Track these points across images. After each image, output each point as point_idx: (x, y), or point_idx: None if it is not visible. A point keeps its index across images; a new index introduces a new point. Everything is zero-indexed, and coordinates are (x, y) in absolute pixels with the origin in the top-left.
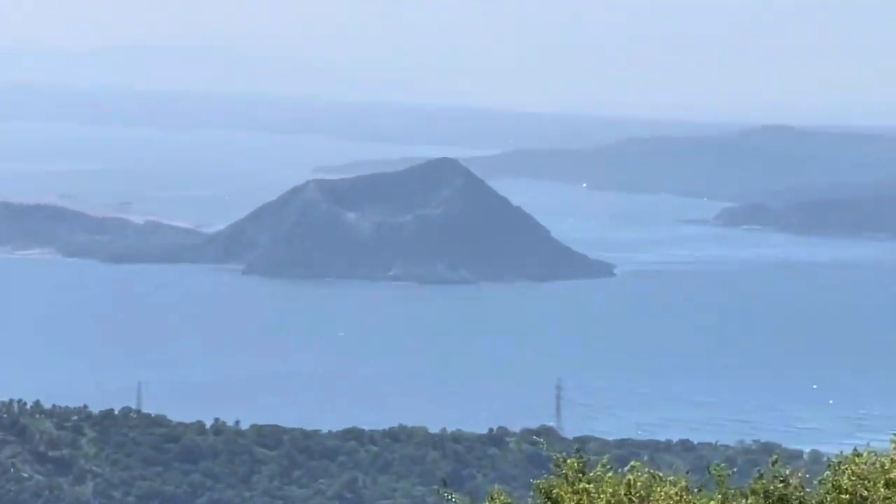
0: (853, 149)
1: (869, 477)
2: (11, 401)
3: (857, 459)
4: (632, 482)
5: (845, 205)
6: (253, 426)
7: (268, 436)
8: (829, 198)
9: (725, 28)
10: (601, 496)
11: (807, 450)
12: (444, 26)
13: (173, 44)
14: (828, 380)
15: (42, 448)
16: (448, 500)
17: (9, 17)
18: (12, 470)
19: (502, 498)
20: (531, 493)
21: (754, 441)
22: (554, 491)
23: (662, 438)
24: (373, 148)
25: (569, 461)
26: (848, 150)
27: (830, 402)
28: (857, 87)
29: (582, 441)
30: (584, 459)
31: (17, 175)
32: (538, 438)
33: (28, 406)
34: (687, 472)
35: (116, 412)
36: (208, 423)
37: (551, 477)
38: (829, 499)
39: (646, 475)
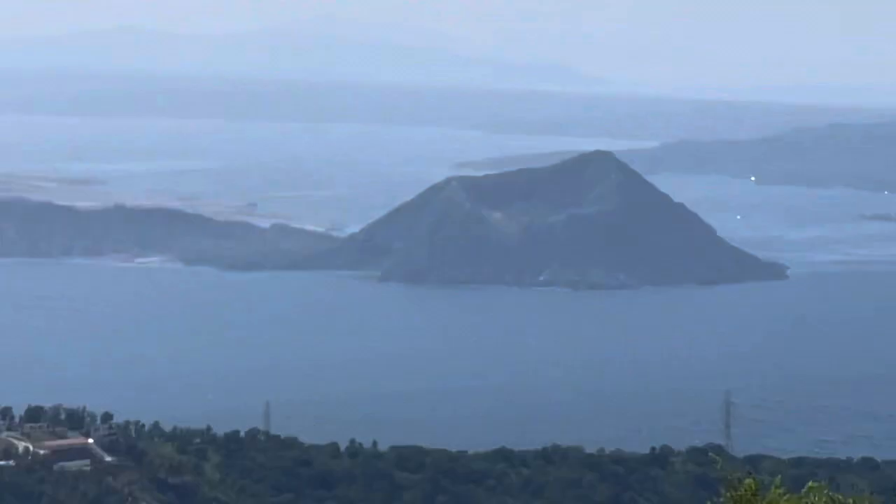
0: None
1: None
2: (128, 423)
3: None
4: None
5: None
6: (392, 448)
7: (409, 458)
8: None
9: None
10: None
11: None
12: (594, 9)
13: (308, 32)
14: None
15: (162, 474)
16: None
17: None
18: (130, 499)
19: None
20: None
21: None
22: None
23: (843, 456)
24: (521, 141)
25: (745, 482)
26: None
27: None
28: None
29: (754, 460)
30: (759, 480)
31: (133, 176)
32: (714, 456)
33: (146, 428)
34: (871, 494)
35: (243, 434)
36: (343, 446)
37: (722, 500)
38: None
39: (825, 497)
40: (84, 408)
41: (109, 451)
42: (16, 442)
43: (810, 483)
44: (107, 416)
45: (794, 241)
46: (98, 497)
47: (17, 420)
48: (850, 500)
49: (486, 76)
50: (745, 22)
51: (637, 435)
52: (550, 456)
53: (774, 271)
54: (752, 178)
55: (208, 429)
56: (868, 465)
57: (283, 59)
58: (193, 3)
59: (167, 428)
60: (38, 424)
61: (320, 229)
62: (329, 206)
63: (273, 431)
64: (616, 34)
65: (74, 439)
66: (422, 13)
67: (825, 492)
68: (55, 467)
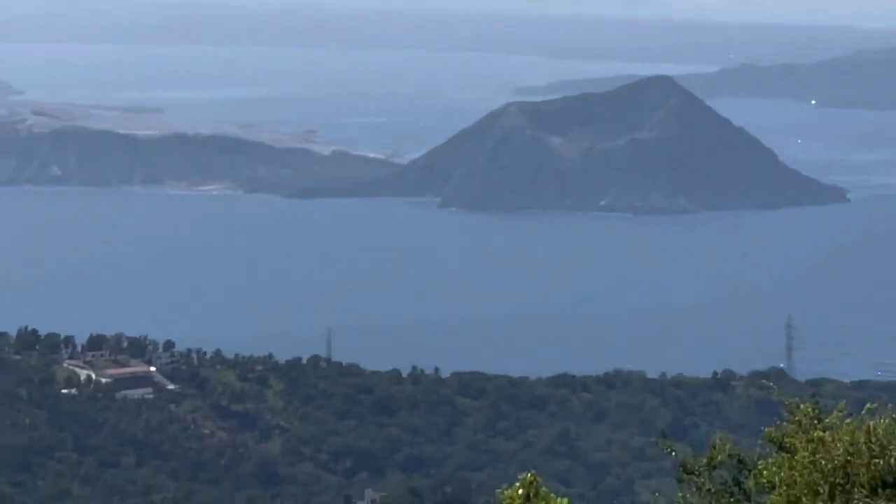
0: None
1: None
2: (190, 351)
3: None
4: (871, 428)
5: None
6: (454, 374)
7: (470, 384)
8: None
9: None
10: (838, 445)
11: None
12: None
13: None
14: None
15: (224, 402)
16: (668, 453)
17: None
18: (192, 426)
19: (728, 447)
20: (759, 442)
21: None
22: (786, 440)
23: None
24: (580, 66)
25: (802, 407)
26: None
27: None
28: None
29: (816, 384)
30: (820, 404)
31: (192, 104)
32: (767, 382)
33: (208, 356)
34: None
35: (304, 361)
36: (405, 372)
37: (782, 424)
38: None
39: (887, 420)
40: (146, 336)
41: (171, 378)
42: (78, 370)
43: (868, 405)
44: (168, 344)
45: (855, 164)
46: (160, 425)
47: (78, 349)
48: None
49: (544, 1)
50: None
51: (699, 359)
52: (612, 381)
53: (835, 195)
54: (813, 102)
55: (270, 356)
56: None
57: None
58: None
59: (229, 355)
60: (100, 353)
61: (380, 156)
62: (389, 133)
63: (334, 358)
64: None
65: (136, 367)
66: None
67: (888, 414)
68: (117, 395)
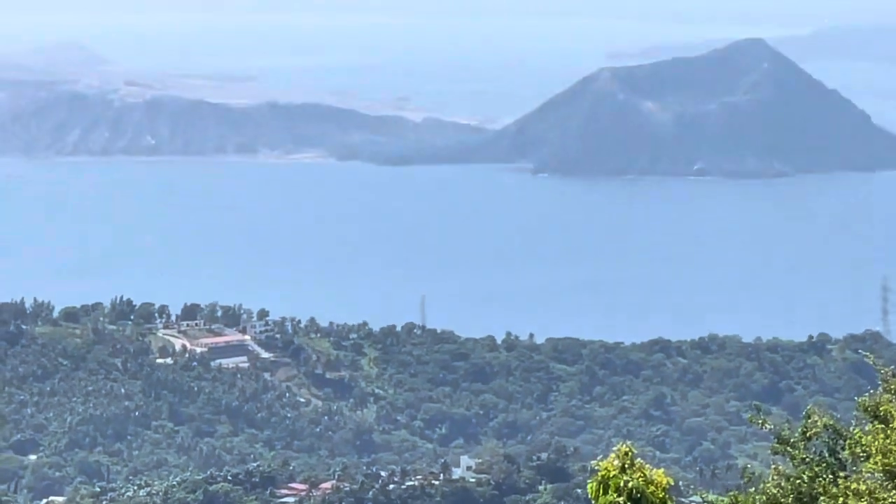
0: None
1: None
2: (284, 319)
3: None
4: None
5: None
6: (549, 340)
7: (565, 350)
8: None
9: None
10: None
11: None
12: None
13: None
14: None
15: (319, 370)
16: (761, 427)
17: None
18: (287, 395)
19: (824, 419)
20: (854, 413)
21: None
22: (881, 409)
23: None
24: (671, 30)
25: None
26: None
27: None
28: None
29: None
30: None
31: (283, 71)
32: (864, 352)
33: (302, 324)
34: None
35: (399, 329)
36: (499, 338)
37: (878, 392)
38: None
39: None
40: (240, 305)
41: (266, 347)
42: (172, 340)
43: None
44: (263, 313)
45: None
46: (256, 393)
47: (173, 318)
48: None
49: None
50: None
51: (794, 323)
52: (707, 345)
53: None
54: None
55: (364, 324)
56: None
57: None
58: None
59: (323, 323)
60: (195, 322)
61: (473, 122)
62: (481, 100)
63: (429, 325)
64: None
65: (231, 336)
66: None
67: None
68: (212, 364)
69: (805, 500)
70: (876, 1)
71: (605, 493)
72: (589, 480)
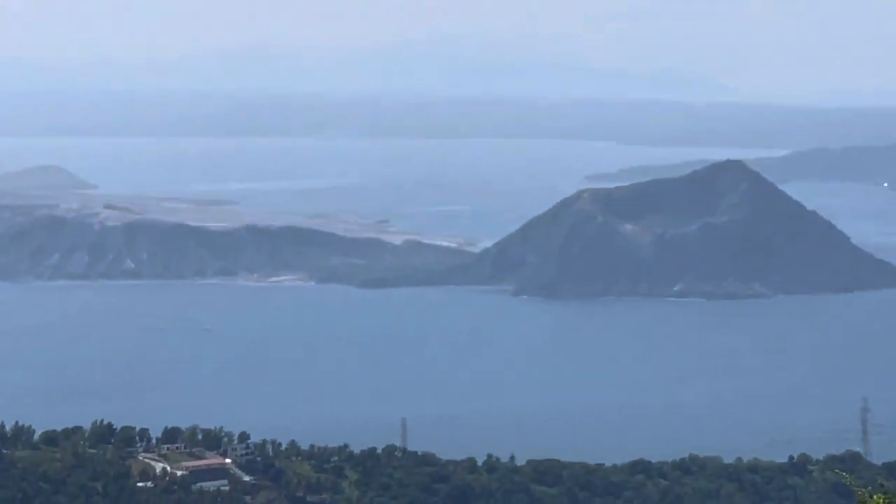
0: None
1: None
2: (265, 442)
3: None
4: None
5: None
6: (529, 462)
7: (546, 472)
8: None
9: None
10: None
11: None
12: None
13: (423, 49)
14: None
15: (300, 493)
16: None
17: (247, 18)
18: None
19: None
20: None
21: None
22: None
23: None
24: (650, 151)
25: (875, 497)
26: None
27: None
28: None
29: (892, 468)
30: (891, 497)
31: (264, 195)
32: (839, 472)
33: (283, 447)
34: None
35: (380, 451)
36: (480, 460)
37: None
38: None
39: None
40: (221, 428)
41: (247, 470)
42: (153, 463)
43: None
44: (244, 436)
45: None
46: None
47: (154, 442)
48: None
49: (614, 87)
50: (869, 25)
51: (775, 444)
52: (688, 467)
53: None
54: (885, 184)
55: (345, 446)
56: None
57: (398, 77)
58: (318, 21)
59: (304, 446)
60: (176, 445)
61: (453, 245)
62: (461, 222)
63: (410, 447)
64: (744, 42)
65: (212, 459)
66: (548, 27)
67: None
68: (193, 488)
69: None
70: (851, 122)
71: None
72: None
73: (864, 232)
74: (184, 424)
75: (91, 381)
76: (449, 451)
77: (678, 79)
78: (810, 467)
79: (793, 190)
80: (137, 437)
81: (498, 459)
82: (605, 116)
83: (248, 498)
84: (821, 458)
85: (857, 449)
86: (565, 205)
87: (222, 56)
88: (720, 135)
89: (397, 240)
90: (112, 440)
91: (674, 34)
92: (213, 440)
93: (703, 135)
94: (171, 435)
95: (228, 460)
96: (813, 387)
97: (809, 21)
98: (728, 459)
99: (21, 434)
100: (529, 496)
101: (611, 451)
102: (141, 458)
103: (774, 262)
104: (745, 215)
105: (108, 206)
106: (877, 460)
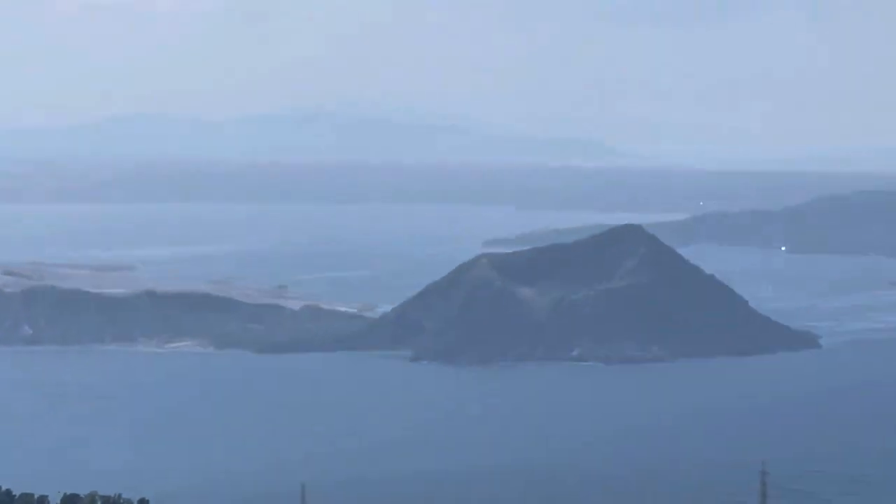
0: None
1: None
2: None
3: None
4: None
5: None
6: None
7: None
8: None
9: None
10: None
11: None
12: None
13: (328, 114)
14: None
15: None
16: None
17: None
18: None
19: None
20: None
21: None
22: None
23: None
24: (550, 216)
25: None
26: None
27: None
28: None
29: None
30: None
31: (161, 261)
32: None
33: None
34: None
35: None
36: None
37: None
38: None
39: None
40: (119, 495)
41: None
42: None
43: None
44: (143, 502)
45: (827, 309)
46: None
47: None
48: None
49: (512, 153)
50: (766, 92)
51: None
52: None
53: (807, 340)
54: (783, 248)
55: None
56: None
57: (293, 141)
58: (218, 89)
59: None
60: None
61: (352, 310)
62: (360, 287)
63: None
64: (642, 109)
65: None
66: (445, 93)
67: None
68: None
69: None
70: (750, 186)
71: None
72: None
73: (762, 296)
74: (83, 490)
75: None
76: None
77: (576, 144)
78: None
79: (691, 254)
80: None
81: None
82: (503, 181)
83: None
84: None
85: None
86: (463, 270)
87: (119, 122)
88: (618, 199)
89: (296, 305)
90: None
91: (569, 99)
92: None
93: (602, 199)
94: (70, 501)
95: None
96: (711, 450)
97: (704, 89)
98: None
99: None
100: None
101: None
102: None
103: (673, 326)
104: (643, 279)
105: (5, 272)
106: None
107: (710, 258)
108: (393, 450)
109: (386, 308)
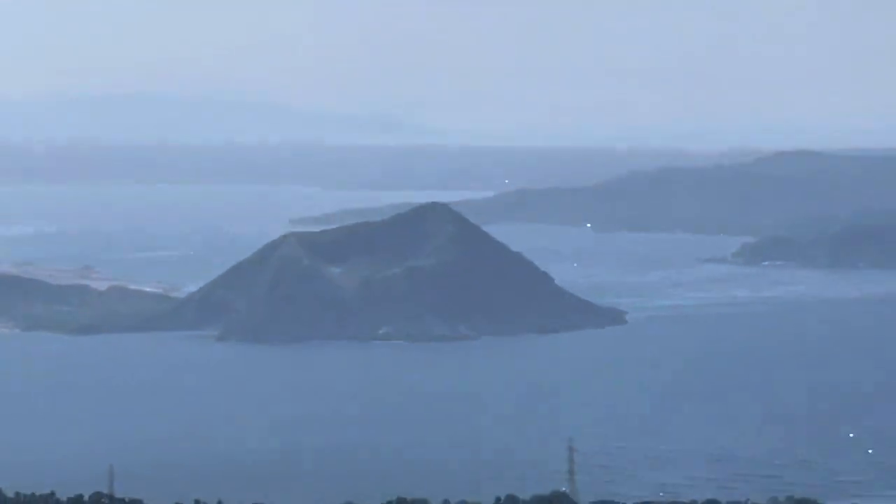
0: (881, 172)
1: None
2: None
3: None
4: None
5: (876, 234)
6: None
7: None
8: (858, 227)
9: (735, 46)
10: None
11: None
12: (426, 62)
13: (125, 95)
14: (866, 427)
15: None
16: None
17: None
18: None
19: None
20: None
21: (788, 498)
22: None
23: (687, 499)
24: (358, 195)
25: None
26: (875, 174)
27: (870, 451)
28: (884, 108)
29: None
30: None
31: None
32: None
33: None
34: None
35: (87, 498)
36: None
37: None
38: None
39: None
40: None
41: None
42: None
43: None
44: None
45: (632, 286)
46: None
47: None
48: None
49: (319, 131)
50: (569, 68)
51: (481, 484)
52: None
53: (613, 317)
54: (589, 226)
55: (52, 493)
56: None
57: (99, 123)
58: (13, 67)
59: (10, 493)
60: None
61: (158, 290)
62: (166, 267)
63: (118, 494)
64: (450, 85)
65: None
66: (250, 70)
67: None
68: None
69: None
70: (556, 163)
71: None
72: None
73: (568, 273)
74: None
75: None
76: (157, 497)
77: (381, 122)
78: None
79: (497, 231)
80: None
81: None
82: (308, 161)
83: None
84: (528, 497)
85: (564, 488)
86: (270, 248)
87: None
88: (425, 177)
89: (103, 286)
90: None
91: (374, 76)
92: None
93: (408, 178)
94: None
95: None
96: (518, 425)
97: (512, 60)
98: (436, 501)
99: None
100: None
101: (318, 494)
102: None
103: (480, 304)
104: (450, 257)
105: None
106: (584, 499)
107: (516, 236)
108: (194, 431)
109: (192, 287)
